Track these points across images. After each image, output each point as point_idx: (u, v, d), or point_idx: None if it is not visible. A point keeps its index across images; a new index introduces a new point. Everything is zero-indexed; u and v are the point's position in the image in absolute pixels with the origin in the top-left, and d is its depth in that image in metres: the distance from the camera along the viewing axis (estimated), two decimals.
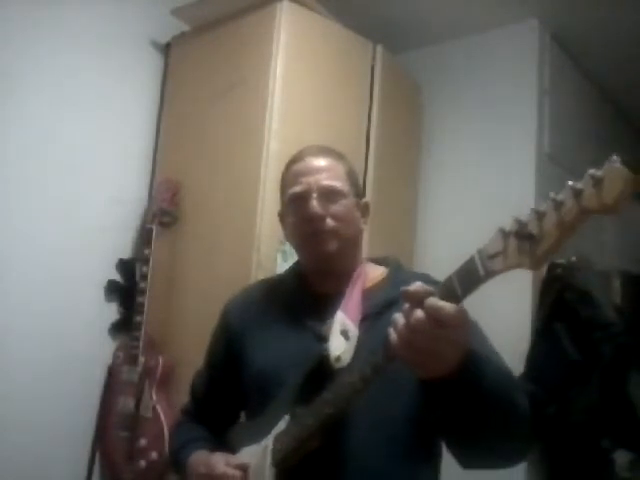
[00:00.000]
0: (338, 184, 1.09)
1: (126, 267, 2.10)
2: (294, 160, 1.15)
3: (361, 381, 0.88)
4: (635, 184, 0.57)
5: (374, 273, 1.13)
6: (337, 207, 1.08)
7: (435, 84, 2.61)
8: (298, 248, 1.15)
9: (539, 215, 0.64)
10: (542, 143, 2.42)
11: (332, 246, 1.06)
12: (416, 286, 0.77)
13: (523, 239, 0.65)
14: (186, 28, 2.27)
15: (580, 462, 2.05)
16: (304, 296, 1.12)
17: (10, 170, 1.84)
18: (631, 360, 2.02)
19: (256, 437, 1.03)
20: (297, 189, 1.09)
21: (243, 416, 1.21)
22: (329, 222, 1.07)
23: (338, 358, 0.95)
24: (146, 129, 2.23)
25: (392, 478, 0.98)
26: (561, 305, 2.15)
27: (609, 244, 2.78)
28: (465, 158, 2.53)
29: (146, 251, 1.97)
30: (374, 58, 2.26)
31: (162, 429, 1.85)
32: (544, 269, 2.26)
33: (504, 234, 0.68)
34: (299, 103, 1.99)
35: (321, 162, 1.11)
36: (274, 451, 0.99)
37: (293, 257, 1.26)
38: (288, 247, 1.68)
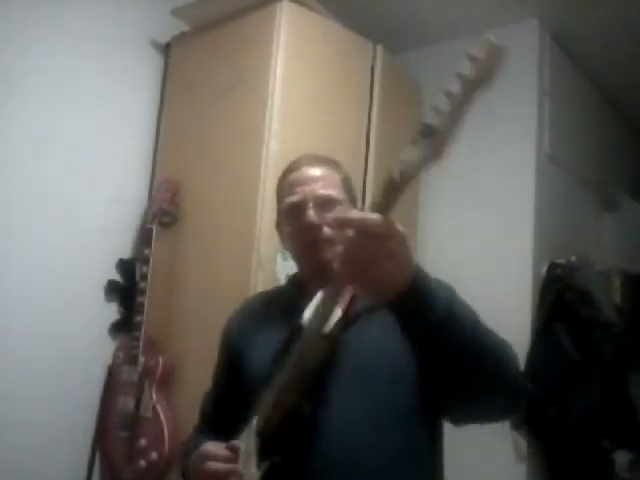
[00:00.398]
0: (334, 193, 1.12)
1: (126, 267, 2.10)
2: (290, 169, 1.17)
3: (318, 321, 0.90)
4: (502, 50, 0.68)
5: None
6: (333, 215, 1.09)
7: (435, 84, 2.60)
8: (296, 257, 1.17)
9: (435, 109, 0.70)
10: (542, 143, 2.42)
11: (329, 254, 1.07)
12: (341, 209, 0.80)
13: (427, 135, 0.70)
14: (186, 28, 2.27)
15: (580, 462, 2.05)
16: (302, 304, 1.13)
17: (10, 170, 1.84)
18: (631, 360, 2.02)
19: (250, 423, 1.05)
20: (293, 199, 1.12)
21: None
22: (326, 231, 1.09)
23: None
24: (146, 129, 2.23)
25: (374, 448, 0.99)
26: (561, 305, 2.15)
27: (609, 244, 2.78)
28: (465, 158, 2.53)
29: (146, 251, 1.97)
30: (374, 58, 2.25)
31: (162, 429, 1.85)
32: (544, 269, 2.26)
33: (413, 141, 0.72)
34: (299, 103, 1.99)
35: (317, 171, 1.14)
36: (257, 422, 1.00)
37: None
38: None
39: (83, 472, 1.96)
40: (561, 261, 2.25)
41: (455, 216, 2.48)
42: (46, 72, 1.92)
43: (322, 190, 1.11)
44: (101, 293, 2.05)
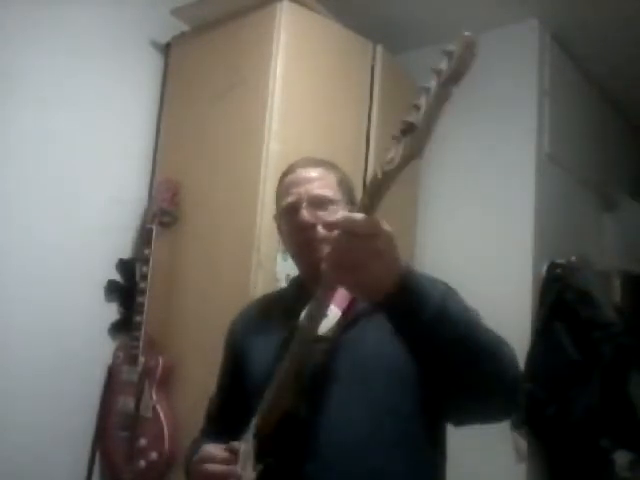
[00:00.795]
0: (329, 192, 1.13)
1: (126, 267, 2.10)
2: (286, 173, 1.19)
3: (310, 322, 0.90)
4: (475, 44, 0.68)
5: None
6: (327, 215, 1.10)
7: None
8: (294, 257, 1.19)
9: (416, 106, 0.70)
10: (542, 143, 2.42)
11: (323, 253, 1.08)
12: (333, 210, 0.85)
13: (408, 132, 0.71)
14: (186, 28, 2.27)
15: (580, 462, 2.05)
16: (303, 304, 1.13)
17: (10, 170, 1.84)
18: (631, 360, 2.02)
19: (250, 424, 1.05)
20: (289, 200, 1.14)
21: None
22: (320, 230, 1.09)
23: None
24: (146, 129, 2.23)
25: (371, 451, 0.99)
26: (561, 305, 2.15)
27: (609, 244, 2.78)
28: (465, 158, 2.53)
29: (146, 251, 1.97)
30: (374, 58, 2.25)
31: (162, 429, 1.85)
32: (544, 269, 2.26)
33: (395, 139, 0.73)
34: (299, 103, 1.99)
35: (311, 173, 1.15)
36: (255, 424, 1.00)
37: None
38: None
39: (83, 472, 1.96)
40: (561, 261, 2.25)
41: (455, 216, 2.48)
42: (46, 72, 1.92)
43: (316, 190, 1.12)
44: (101, 293, 2.05)
